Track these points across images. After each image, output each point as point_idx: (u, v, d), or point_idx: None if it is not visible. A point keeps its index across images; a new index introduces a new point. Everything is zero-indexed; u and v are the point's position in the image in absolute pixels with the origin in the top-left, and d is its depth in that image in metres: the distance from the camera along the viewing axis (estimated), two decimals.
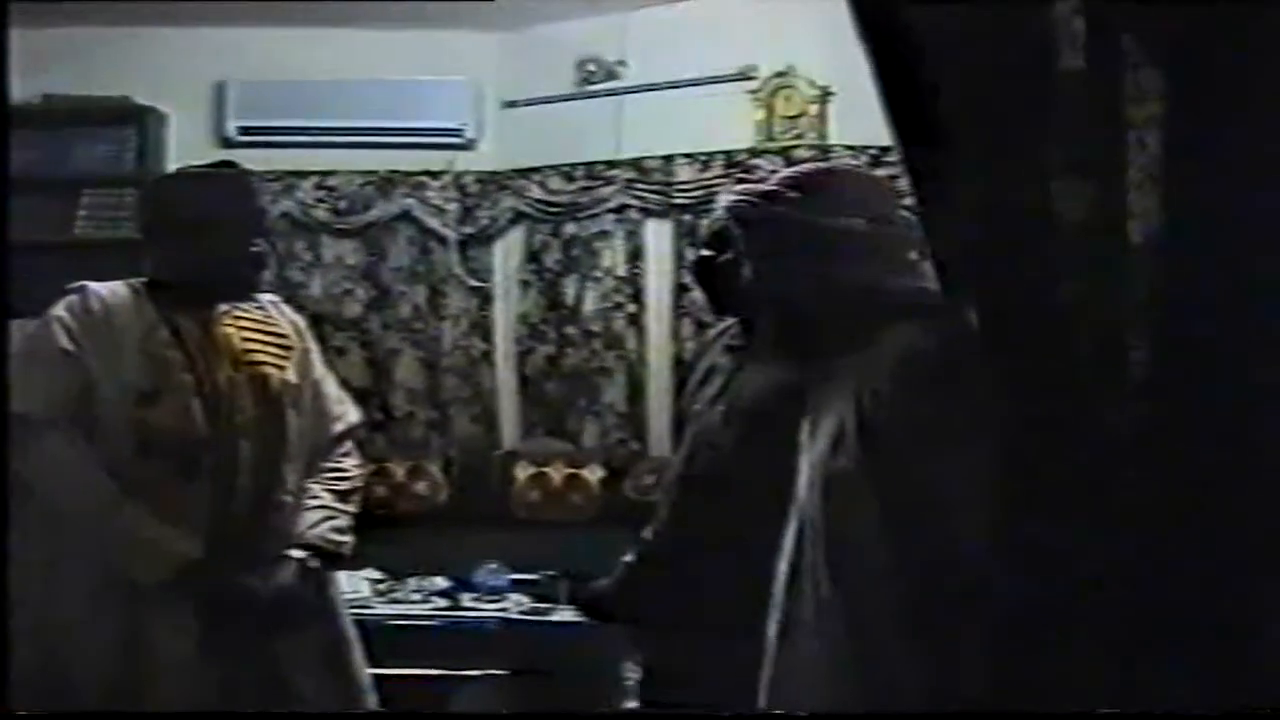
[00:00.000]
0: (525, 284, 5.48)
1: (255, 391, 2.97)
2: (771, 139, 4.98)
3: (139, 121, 5.32)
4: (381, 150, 5.42)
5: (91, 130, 5.32)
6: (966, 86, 1.87)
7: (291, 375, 3.04)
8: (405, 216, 5.48)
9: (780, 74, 4.95)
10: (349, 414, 3.23)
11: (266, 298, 3.13)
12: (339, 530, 3.05)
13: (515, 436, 5.52)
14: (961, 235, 1.88)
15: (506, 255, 5.51)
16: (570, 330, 5.40)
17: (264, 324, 3.05)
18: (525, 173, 5.40)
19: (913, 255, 2.18)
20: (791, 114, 4.94)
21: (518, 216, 5.46)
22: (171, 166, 5.33)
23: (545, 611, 4.38)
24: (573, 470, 5.17)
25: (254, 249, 3.01)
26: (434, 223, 5.46)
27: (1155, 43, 1.80)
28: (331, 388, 3.20)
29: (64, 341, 2.88)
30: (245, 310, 3.04)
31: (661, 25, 5.10)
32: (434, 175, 5.44)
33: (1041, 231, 1.82)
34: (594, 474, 5.17)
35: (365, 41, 5.30)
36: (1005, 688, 1.89)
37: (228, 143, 5.30)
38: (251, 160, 5.14)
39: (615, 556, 4.75)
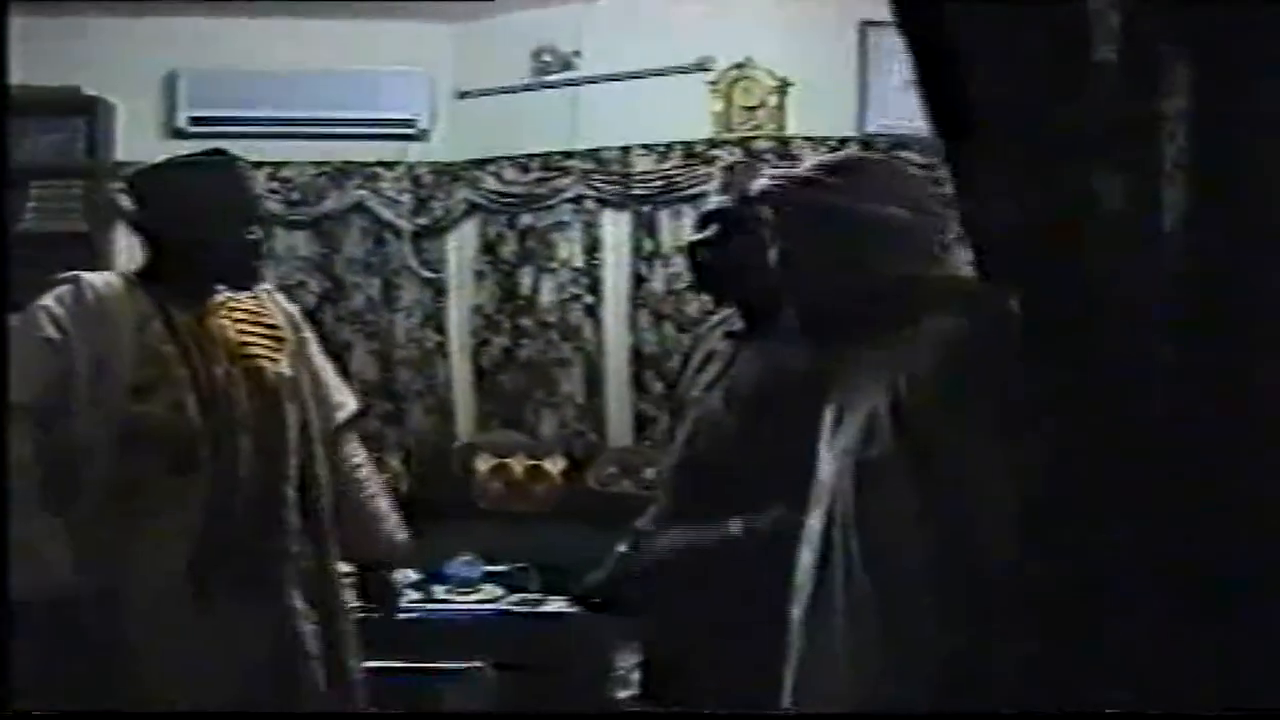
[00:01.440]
0: (480, 275, 5.46)
1: (251, 385, 2.94)
2: (730, 130, 4.99)
3: (88, 112, 5.24)
4: (335, 141, 5.37)
5: (40, 121, 5.21)
6: (1003, 75, 1.90)
7: (286, 367, 3.01)
8: (359, 208, 5.44)
9: (738, 65, 4.96)
10: (349, 402, 3.22)
11: (261, 287, 3.09)
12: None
13: (471, 428, 5.51)
14: (1002, 222, 1.91)
15: (461, 247, 5.49)
16: (526, 322, 5.39)
17: (257, 315, 3.03)
18: (480, 164, 5.38)
19: (944, 244, 2.22)
20: (750, 105, 4.96)
21: (472, 208, 5.43)
22: (120, 158, 5.28)
23: (535, 603, 4.35)
24: (534, 461, 5.15)
25: (250, 237, 2.97)
26: (388, 214, 5.43)
27: (1184, 37, 1.84)
28: (331, 376, 3.19)
29: (49, 330, 2.83)
30: (239, 301, 3.01)
31: (618, 16, 5.09)
32: (388, 166, 5.40)
33: (1081, 219, 1.85)
34: (555, 465, 5.16)
35: (319, 31, 5.25)
36: (1040, 679, 1.92)
37: (178, 133, 5.22)
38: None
39: (579, 547, 4.78)
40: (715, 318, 3.06)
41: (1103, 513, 1.84)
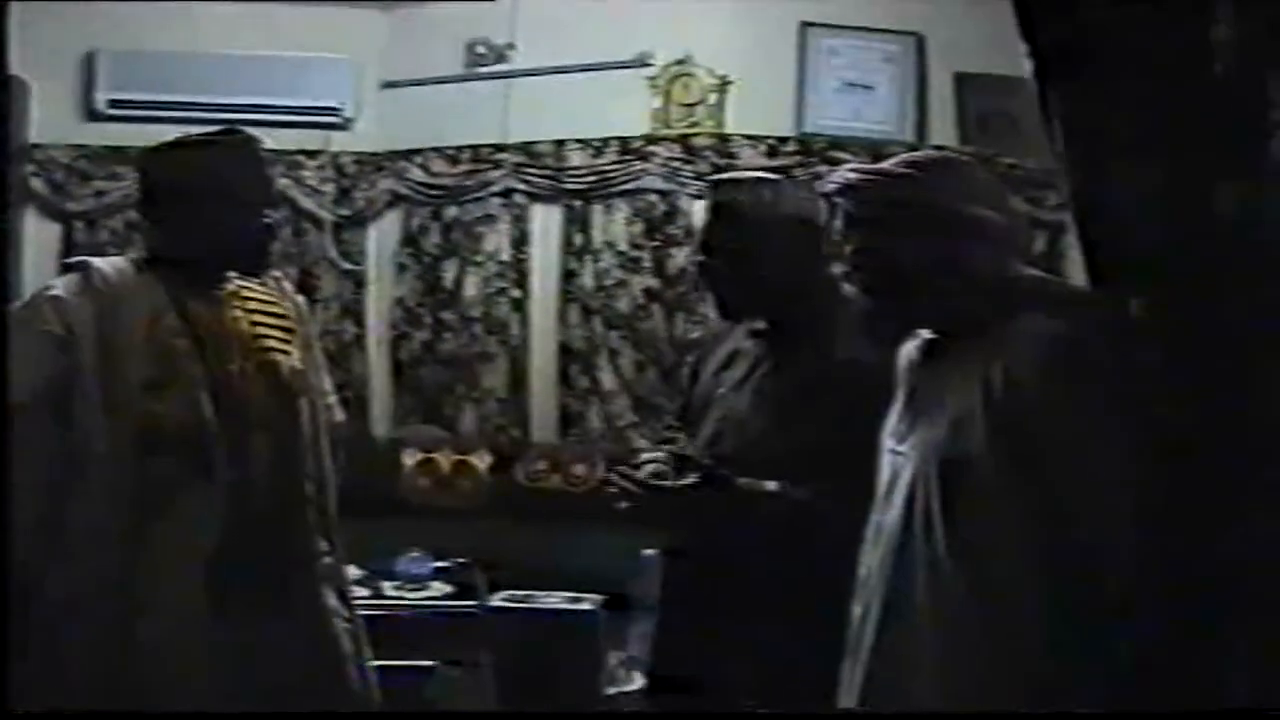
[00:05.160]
0: (402, 268, 5.38)
1: (266, 381, 2.83)
2: (668, 126, 5.02)
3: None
4: (257, 128, 5.19)
5: None
6: (1129, 85, 1.95)
7: (297, 360, 2.91)
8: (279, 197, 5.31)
9: (679, 62, 4.99)
10: (336, 409, 3.14)
11: (270, 274, 2.99)
12: None
13: (388, 423, 5.42)
14: (1128, 230, 1.96)
15: (382, 238, 5.40)
16: (448, 315, 5.33)
17: (269, 305, 2.91)
18: (406, 154, 5.30)
19: (1028, 246, 2.25)
20: (689, 102, 4.99)
21: (396, 199, 5.35)
22: (34, 139, 5.09)
23: (523, 599, 4.30)
24: (460, 457, 5.10)
25: (265, 220, 2.87)
26: (309, 204, 5.31)
27: None
28: (325, 376, 3.10)
29: (54, 325, 2.66)
30: (251, 289, 2.89)
31: (554, 10, 5.07)
32: (310, 155, 5.29)
33: (1206, 226, 1.91)
34: (482, 461, 5.11)
35: (244, 14, 5.11)
36: (1146, 681, 1.97)
37: (96, 116, 5.07)
38: (121, 136, 4.99)
39: (509, 543, 4.76)
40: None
41: (1223, 518, 1.89)
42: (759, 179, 2.99)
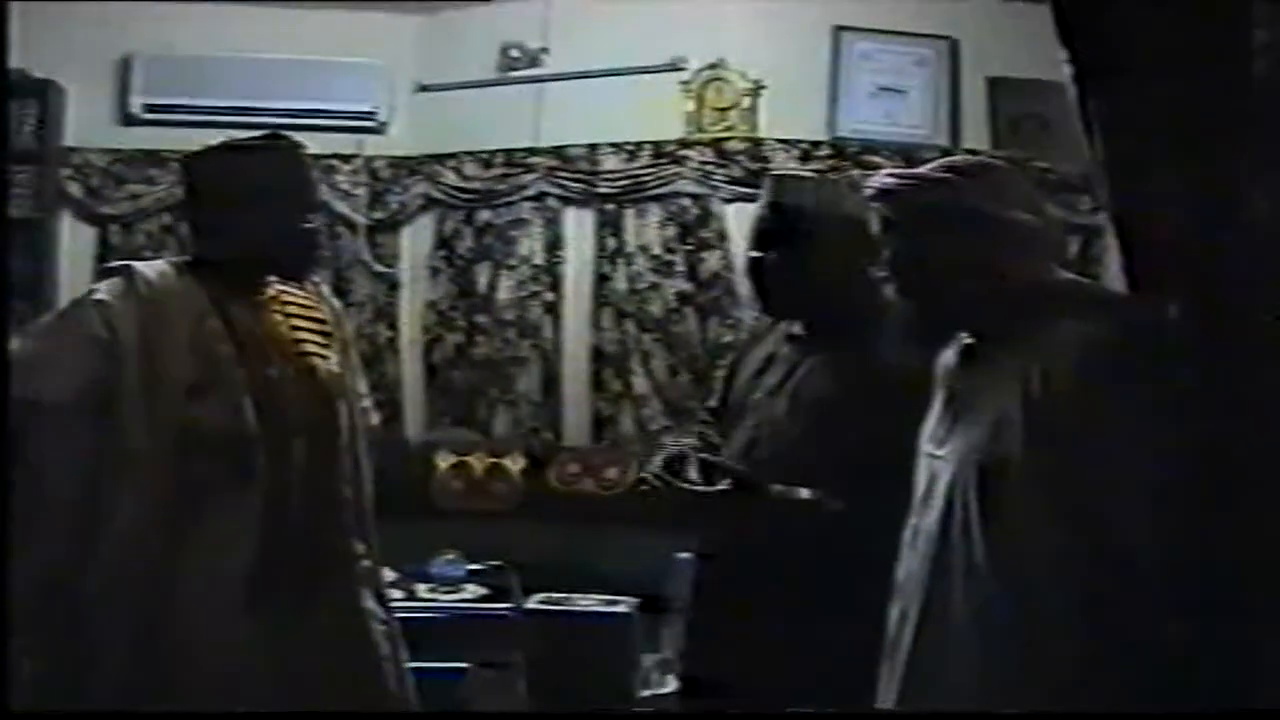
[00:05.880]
0: (435, 271, 5.40)
1: (305, 385, 2.83)
2: (701, 130, 5.03)
3: (37, 95, 5.06)
4: (291, 132, 5.23)
5: None
6: (1168, 88, 1.94)
7: (335, 364, 2.93)
8: None
9: (712, 66, 5.00)
10: (371, 413, 3.15)
11: (310, 279, 3.00)
12: None
13: (421, 426, 5.44)
14: (1166, 233, 1.96)
15: (415, 241, 5.42)
16: (482, 319, 5.35)
17: (308, 309, 2.93)
18: (439, 158, 5.32)
19: (1065, 250, 2.25)
20: (722, 106, 5.00)
21: (429, 202, 5.38)
22: (70, 143, 5.13)
23: (558, 602, 4.30)
24: (494, 460, 5.11)
25: (308, 225, 2.88)
26: (343, 207, 5.34)
27: None
28: (361, 380, 3.11)
29: (98, 328, 2.67)
30: (291, 293, 2.90)
31: (587, 14, 5.09)
32: (344, 159, 5.31)
33: (1244, 229, 1.90)
34: (515, 464, 5.12)
35: (279, 19, 5.16)
36: (1178, 685, 1.97)
37: (132, 120, 5.11)
38: (157, 140, 5.03)
39: (542, 546, 4.76)
40: (767, 320, 3.03)
41: (1264, 518, 1.89)
42: (819, 179, 2.98)
